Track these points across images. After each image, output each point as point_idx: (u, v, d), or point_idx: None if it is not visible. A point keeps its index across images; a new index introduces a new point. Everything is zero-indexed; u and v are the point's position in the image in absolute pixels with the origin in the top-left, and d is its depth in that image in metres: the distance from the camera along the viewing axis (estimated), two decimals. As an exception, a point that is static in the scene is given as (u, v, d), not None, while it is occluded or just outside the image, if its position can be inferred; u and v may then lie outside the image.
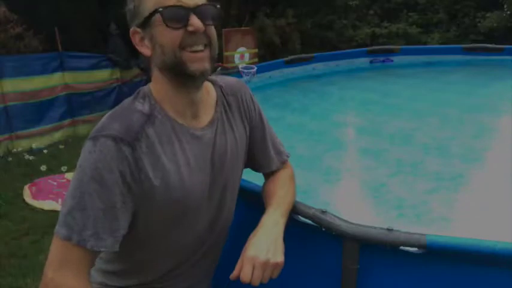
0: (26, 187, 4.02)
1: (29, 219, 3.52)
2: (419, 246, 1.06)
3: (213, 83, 1.10)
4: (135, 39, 0.95)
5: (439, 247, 1.04)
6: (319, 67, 7.00)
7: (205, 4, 0.92)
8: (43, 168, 4.56)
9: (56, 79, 5.64)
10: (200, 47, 0.91)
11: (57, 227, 0.87)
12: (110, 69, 6.32)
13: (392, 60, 7.46)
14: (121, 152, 0.86)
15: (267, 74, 6.47)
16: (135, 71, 6.68)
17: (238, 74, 6.12)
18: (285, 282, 1.33)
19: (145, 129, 0.91)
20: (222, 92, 1.10)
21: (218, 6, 0.94)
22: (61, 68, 5.70)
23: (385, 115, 4.80)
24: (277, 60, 6.87)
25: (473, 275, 1.07)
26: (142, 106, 0.95)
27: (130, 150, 0.87)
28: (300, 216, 1.23)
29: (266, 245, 0.96)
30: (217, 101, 1.07)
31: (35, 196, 3.86)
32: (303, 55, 7.19)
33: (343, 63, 7.21)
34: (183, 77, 0.93)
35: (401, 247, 1.09)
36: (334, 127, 4.56)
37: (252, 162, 1.21)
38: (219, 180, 1.06)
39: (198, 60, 0.91)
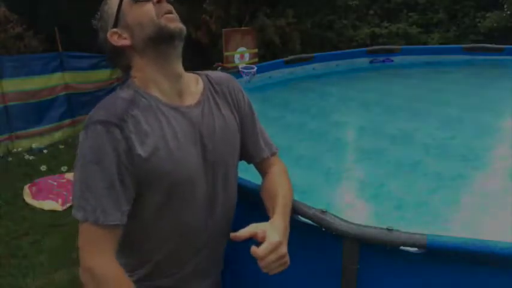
0: (26, 187, 4.02)
1: (29, 219, 3.52)
2: (419, 246, 1.06)
3: (200, 75, 1.20)
4: (114, 39, 1.05)
5: (439, 247, 1.04)
6: (319, 67, 6.99)
7: None
8: (43, 168, 4.56)
9: (56, 79, 5.64)
10: (170, 13, 1.04)
11: (73, 212, 0.96)
12: (110, 69, 6.31)
13: (392, 60, 7.46)
14: (110, 133, 0.94)
15: (267, 74, 6.46)
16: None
17: (238, 74, 6.12)
18: (285, 282, 1.34)
19: (130, 111, 0.99)
20: (209, 81, 1.18)
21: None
22: (61, 68, 5.70)
23: (385, 115, 4.80)
24: (277, 60, 6.87)
25: (473, 275, 1.07)
26: (126, 93, 1.03)
27: (118, 131, 0.95)
28: (300, 216, 1.23)
29: (286, 239, 1.02)
30: (204, 88, 1.16)
31: (35, 196, 3.86)
32: (303, 55, 7.19)
33: (343, 63, 7.21)
34: (165, 42, 1.03)
35: (402, 247, 1.09)
36: (334, 127, 4.55)
37: (243, 152, 1.25)
38: (212, 159, 1.11)
39: (175, 20, 1.04)
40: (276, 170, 1.25)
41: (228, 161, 1.17)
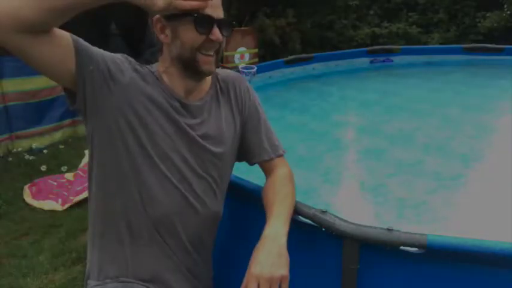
0: (26, 187, 4.01)
1: (29, 219, 3.52)
2: (419, 246, 1.06)
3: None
4: (157, 27, 1.10)
5: (439, 247, 1.04)
6: (319, 67, 6.99)
7: (226, 19, 1.08)
8: (43, 168, 4.55)
9: (56, 79, 5.63)
10: (211, 53, 1.08)
11: None
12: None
13: (392, 60, 7.45)
14: (126, 58, 1.12)
15: (267, 74, 6.45)
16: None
17: (238, 74, 6.11)
18: (285, 282, 1.33)
19: (143, 69, 1.13)
20: (217, 79, 1.23)
21: (233, 22, 1.13)
22: (61, 68, 5.70)
23: (385, 115, 4.80)
24: (277, 60, 6.87)
25: (473, 275, 1.07)
26: (143, 68, 1.14)
27: (134, 62, 1.14)
28: (300, 216, 1.23)
29: (269, 259, 0.99)
30: (210, 86, 1.21)
31: (35, 196, 3.86)
32: (303, 55, 7.18)
33: (343, 63, 7.20)
34: (192, 72, 1.10)
35: (402, 247, 1.09)
36: (334, 127, 4.55)
37: (244, 152, 1.26)
38: (198, 152, 1.14)
39: (209, 63, 1.08)
40: (279, 174, 1.24)
41: (218, 159, 1.18)
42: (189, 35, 1.05)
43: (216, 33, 1.05)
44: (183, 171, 1.12)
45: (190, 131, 1.13)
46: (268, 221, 1.09)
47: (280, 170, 1.25)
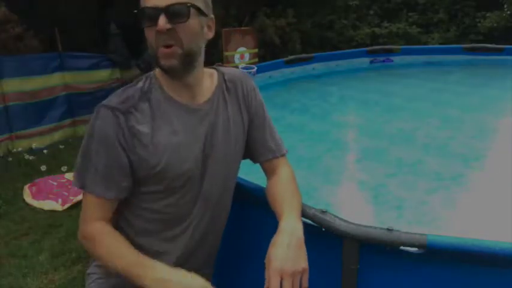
0: (26, 187, 4.01)
1: (29, 219, 3.52)
2: (419, 246, 1.06)
3: (218, 70, 1.21)
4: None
5: (439, 247, 1.04)
6: (319, 67, 6.99)
7: (176, 3, 0.97)
8: (43, 168, 4.55)
9: (56, 79, 5.63)
10: (168, 43, 0.99)
11: (73, 181, 1.08)
12: (110, 69, 6.30)
13: (392, 60, 7.46)
14: (117, 118, 1.02)
15: (267, 74, 6.46)
16: (135, 71, 6.67)
17: (238, 74, 6.11)
18: (285, 282, 1.33)
19: (140, 103, 1.05)
20: (224, 78, 1.20)
21: (189, 4, 0.99)
22: (61, 68, 5.69)
23: (385, 115, 4.80)
24: (277, 60, 6.87)
25: (473, 275, 1.07)
26: (143, 84, 1.08)
27: (124, 119, 1.02)
28: (300, 216, 1.23)
29: (290, 253, 0.99)
30: (217, 86, 1.17)
31: (35, 196, 3.86)
32: (303, 55, 7.18)
33: (343, 63, 7.21)
34: (159, 69, 1.05)
35: (402, 247, 1.09)
36: (334, 127, 4.55)
37: (249, 151, 1.25)
38: (212, 155, 1.13)
39: (166, 56, 1.00)
40: (284, 173, 1.24)
41: (229, 160, 1.17)
42: (146, 31, 1.01)
43: (159, 23, 0.96)
44: None
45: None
46: (283, 216, 1.08)
47: (283, 169, 1.25)
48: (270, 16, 8.95)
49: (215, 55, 7.73)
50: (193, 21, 1.00)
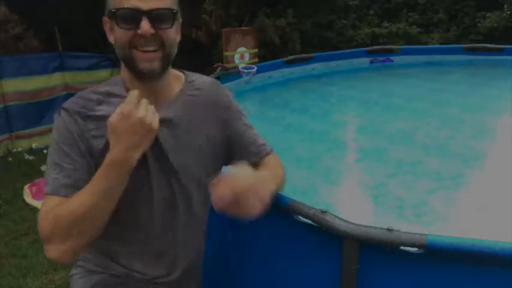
0: (26, 187, 4.02)
1: (29, 219, 3.52)
2: (419, 246, 1.06)
3: (186, 75, 1.17)
4: (106, 28, 1.04)
5: (439, 247, 1.04)
6: (319, 67, 6.99)
7: (160, 8, 0.96)
8: (43, 168, 4.56)
9: (56, 79, 5.63)
10: (151, 48, 0.98)
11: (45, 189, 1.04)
12: (110, 69, 6.31)
13: (392, 60, 7.46)
14: (74, 119, 1.01)
15: (267, 74, 6.45)
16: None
17: (238, 74, 6.11)
18: (285, 282, 1.33)
19: (96, 110, 1.03)
20: (192, 84, 1.16)
21: (175, 10, 1.00)
22: (61, 68, 5.70)
23: (385, 115, 4.80)
24: (277, 60, 6.86)
25: (473, 275, 1.07)
26: (106, 86, 1.07)
27: (81, 121, 1.02)
28: (300, 216, 1.23)
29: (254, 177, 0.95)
30: (180, 91, 1.13)
31: (35, 196, 3.86)
32: (303, 55, 7.18)
33: (343, 63, 7.20)
34: (133, 71, 1.02)
35: (402, 247, 1.09)
36: (334, 127, 4.55)
37: (231, 158, 1.22)
38: (171, 164, 1.09)
39: (147, 59, 0.98)
40: (270, 159, 1.25)
41: (193, 168, 1.13)
42: (117, 31, 0.98)
43: (143, 27, 0.94)
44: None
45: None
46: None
47: (271, 157, 1.27)
48: (270, 16, 8.96)
49: (215, 55, 7.73)
50: (174, 27, 1.01)
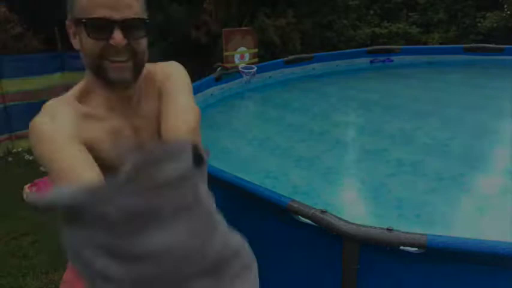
0: (26, 187, 4.01)
1: (29, 219, 3.52)
2: (419, 246, 1.06)
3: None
4: (69, 32, 0.98)
5: (439, 247, 1.04)
6: (319, 67, 7.00)
7: (133, 18, 0.92)
8: (43, 168, 4.56)
9: (56, 79, 5.63)
10: (122, 58, 0.93)
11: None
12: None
13: (392, 60, 7.46)
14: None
15: (267, 74, 6.46)
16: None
17: (238, 74, 6.11)
18: (285, 282, 1.34)
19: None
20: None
21: (148, 20, 0.96)
22: (61, 68, 5.69)
23: (385, 115, 4.80)
24: (277, 60, 6.87)
25: (473, 275, 1.07)
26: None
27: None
28: (300, 216, 1.23)
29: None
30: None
31: (35, 196, 3.86)
32: (303, 55, 7.19)
33: (343, 63, 7.21)
34: (104, 81, 0.97)
35: (402, 247, 1.09)
36: (334, 127, 4.55)
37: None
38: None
39: (118, 70, 0.94)
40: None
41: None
42: (87, 41, 0.92)
43: (116, 37, 0.90)
44: None
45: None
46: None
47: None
48: (270, 16, 8.96)
49: (215, 55, 7.73)
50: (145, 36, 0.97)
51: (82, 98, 1.02)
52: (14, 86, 5.14)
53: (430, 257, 1.08)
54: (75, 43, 0.97)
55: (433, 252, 1.05)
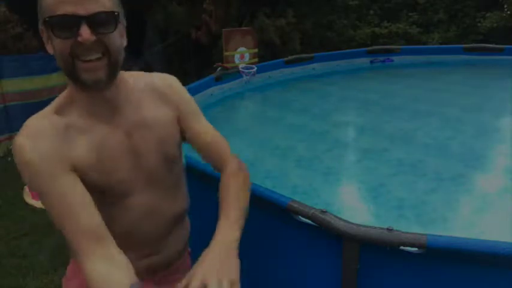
0: (26, 187, 4.02)
1: (29, 219, 3.52)
2: (419, 246, 1.06)
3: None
4: (43, 38, 0.93)
5: (439, 247, 1.04)
6: (319, 67, 7.00)
7: (100, 12, 0.87)
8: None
9: (56, 79, 5.63)
10: (94, 56, 0.88)
11: None
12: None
13: (392, 60, 7.46)
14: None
15: (267, 74, 6.46)
16: (135, 70, 6.66)
17: (238, 74, 6.11)
18: (285, 281, 1.34)
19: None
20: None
21: (116, 13, 0.90)
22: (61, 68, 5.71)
23: (385, 115, 4.80)
24: (277, 60, 6.87)
25: (473, 275, 1.07)
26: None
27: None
28: (300, 216, 1.23)
29: (216, 264, 0.89)
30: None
31: (34, 196, 3.86)
32: (303, 55, 7.19)
33: (343, 63, 7.22)
34: (78, 84, 0.92)
35: (402, 247, 1.09)
36: (334, 127, 4.55)
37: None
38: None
39: (91, 69, 0.89)
40: (233, 162, 1.18)
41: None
42: (55, 42, 0.87)
43: (83, 33, 0.84)
44: None
45: None
46: (219, 221, 0.99)
47: (233, 159, 1.19)
48: (270, 16, 8.96)
49: (215, 55, 7.73)
50: (118, 30, 0.92)
51: (63, 109, 0.99)
52: (14, 86, 5.14)
53: (430, 257, 1.08)
54: (49, 48, 0.92)
55: (433, 252, 1.05)
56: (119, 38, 0.93)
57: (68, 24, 0.85)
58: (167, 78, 1.13)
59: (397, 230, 1.09)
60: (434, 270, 1.09)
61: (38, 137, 0.93)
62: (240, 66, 6.26)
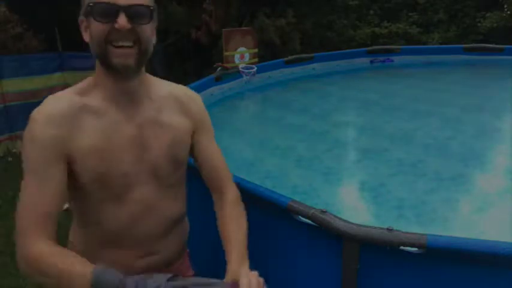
0: (26, 187, 4.02)
1: (29, 219, 3.52)
2: (419, 246, 1.06)
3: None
4: (82, 28, 1.02)
5: (439, 247, 1.04)
6: (319, 67, 7.00)
7: (138, 4, 0.96)
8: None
9: (56, 79, 5.63)
10: (126, 43, 0.97)
11: None
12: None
13: (392, 60, 7.46)
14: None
15: (267, 74, 6.46)
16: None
17: (238, 74, 6.11)
18: (285, 282, 1.34)
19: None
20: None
21: (152, 7, 1.00)
22: (61, 68, 5.70)
23: (385, 115, 4.80)
24: (277, 60, 6.87)
25: (473, 275, 1.07)
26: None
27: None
28: (300, 216, 1.23)
29: None
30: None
31: (35, 196, 3.87)
32: (303, 55, 7.19)
33: (343, 63, 7.21)
34: (108, 68, 1.00)
35: (402, 247, 1.09)
36: (334, 127, 4.55)
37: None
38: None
39: (122, 55, 0.97)
40: (233, 196, 1.24)
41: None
42: (94, 26, 0.96)
43: (120, 21, 0.93)
44: None
45: None
46: (229, 264, 1.05)
47: (233, 190, 1.26)
48: (270, 16, 8.96)
49: (215, 55, 7.73)
50: (151, 24, 1.01)
51: (85, 90, 1.05)
52: (14, 86, 5.14)
53: (430, 257, 1.08)
54: (86, 36, 1.01)
55: (433, 252, 1.05)
56: (150, 31, 1.01)
57: (108, 11, 0.94)
58: (192, 93, 1.23)
59: (397, 230, 1.09)
60: (434, 270, 1.09)
61: (46, 121, 0.98)
62: (240, 66, 6.26)
